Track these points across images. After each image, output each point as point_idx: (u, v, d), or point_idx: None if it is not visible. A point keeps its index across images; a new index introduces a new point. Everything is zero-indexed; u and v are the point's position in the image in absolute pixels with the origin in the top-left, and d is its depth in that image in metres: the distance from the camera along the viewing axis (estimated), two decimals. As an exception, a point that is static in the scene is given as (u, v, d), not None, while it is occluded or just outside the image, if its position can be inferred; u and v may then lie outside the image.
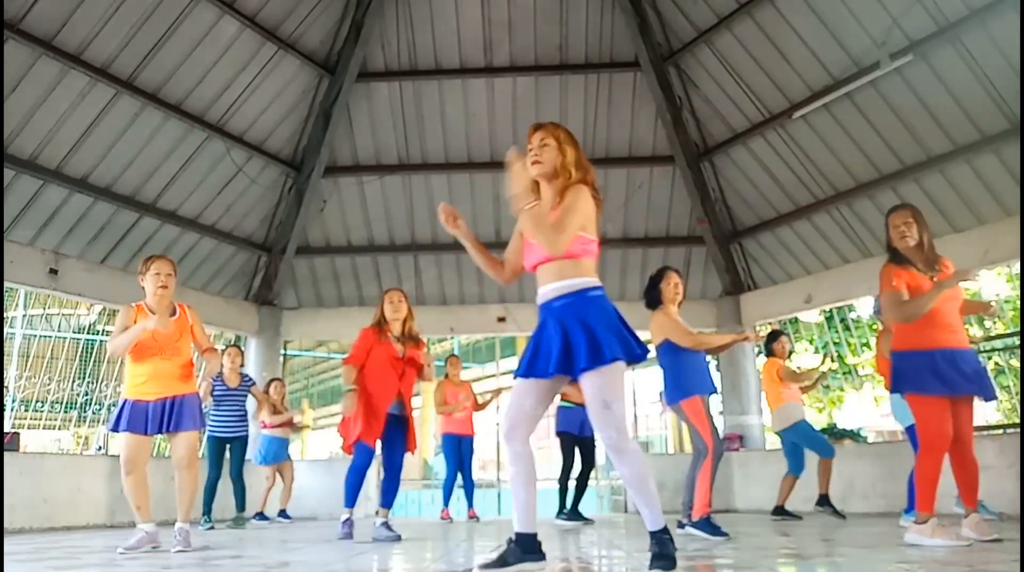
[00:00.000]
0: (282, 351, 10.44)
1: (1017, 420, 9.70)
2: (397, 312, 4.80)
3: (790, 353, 6.56)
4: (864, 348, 13.04)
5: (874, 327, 12.20)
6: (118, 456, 4.44)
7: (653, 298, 4.69)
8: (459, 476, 7.25)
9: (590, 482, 6.71)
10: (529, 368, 2.60)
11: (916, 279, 3.61)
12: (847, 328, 13.23)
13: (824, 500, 6.08)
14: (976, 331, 9.33)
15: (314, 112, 9.54)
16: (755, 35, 8.30)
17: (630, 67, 9.47)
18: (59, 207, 7.52)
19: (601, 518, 7.73)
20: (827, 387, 13.55)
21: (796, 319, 11.47)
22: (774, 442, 7.94)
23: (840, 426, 9.50)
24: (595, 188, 2.69)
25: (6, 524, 5.75)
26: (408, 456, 4.87)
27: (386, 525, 4.65)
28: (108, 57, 7.31)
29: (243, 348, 8.80)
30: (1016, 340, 8.54)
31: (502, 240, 3.38)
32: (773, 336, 6.47)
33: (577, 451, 6.47)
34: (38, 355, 14.42)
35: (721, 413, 9.51)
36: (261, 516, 7.55)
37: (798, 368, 6.80)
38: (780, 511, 6.21)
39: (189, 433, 4.13)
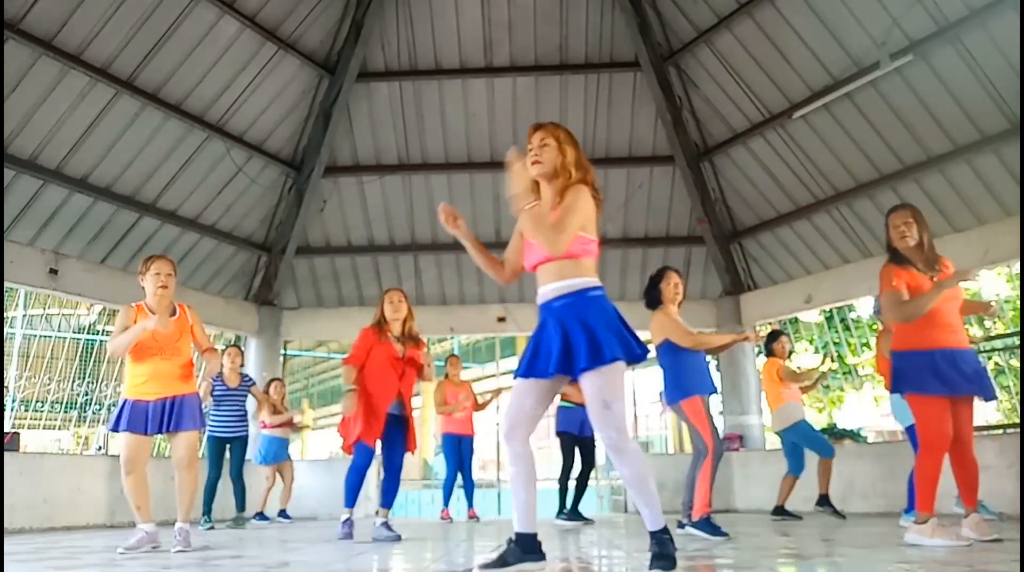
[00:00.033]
0: (282, 351, 10.43)
1: (1017, 420, 9.70)
2: (397, 312, 4.80)
3: (790, 353, 6.56)
4: (864, 348, 13.03)
5: (874, 327, 12.20)
6: (118, 456, 4.44)
7: (653, 298, 4.69)
8: (459, 476, 7.26)
9: (590, 482, 6.70)
10: (529, 368, 2.60)
11: (916, 279, 3.61)
12: (847, 328, 13.23)
13: (824, 500, 6.08)
14: (976, 331, 9.32)
15: (314, 112, 9.54)
16: (755, 35, 8.30)
17: (630, 67, 9.47)
18: (59, 207, 7.53)
19: (601, 518, 7.73)
20: (827, 387, 13.54)
21: (796, 319, 11.47)
22: (774, 442, 7.94)
23: (840, 426, 9.51)
24: (595, 188, 2.68)
25: (6, 524, 5.75)
26: (408, 456, 4.87)
27: (386, 525, 4.65)
28: (108, 57, 7.31)
29: (243, 348, 8.80)
30: (1016, 340, 8.53)
31: (502, 240, 3.38)
32: (773, 336, 6.47)
33: (577, 451, 6.47)
34: (38, 355, 14.41)
35: (721, 413, 9.51)
36: (261, 516, 7.55)
37: (798, 368, 6.80)
38: (780, 511, 6.21)
39: (189, 433, 4.13)
